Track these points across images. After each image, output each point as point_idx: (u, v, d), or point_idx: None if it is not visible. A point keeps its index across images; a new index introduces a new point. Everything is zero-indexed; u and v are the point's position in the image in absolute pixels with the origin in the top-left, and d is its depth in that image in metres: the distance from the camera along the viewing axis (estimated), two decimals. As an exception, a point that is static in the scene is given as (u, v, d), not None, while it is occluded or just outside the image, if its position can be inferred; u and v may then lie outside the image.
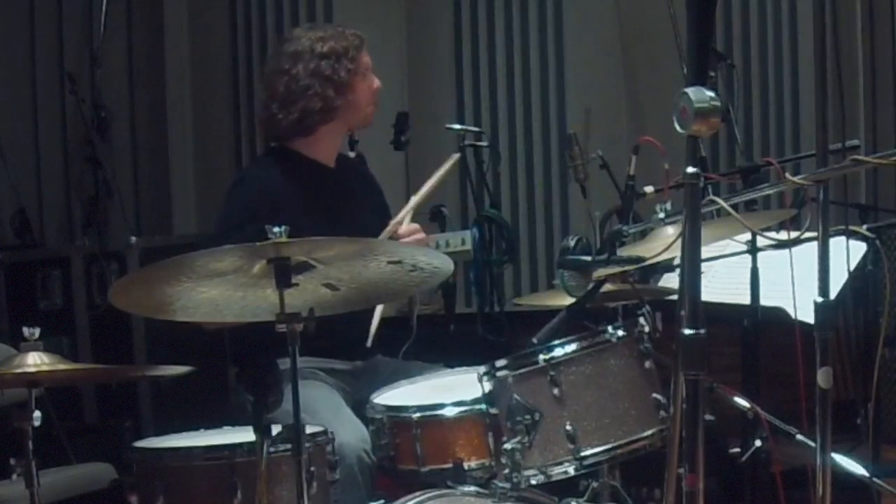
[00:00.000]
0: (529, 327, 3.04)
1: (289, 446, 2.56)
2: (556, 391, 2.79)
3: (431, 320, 4.75)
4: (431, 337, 4.43)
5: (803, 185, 2.26)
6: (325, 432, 2.89)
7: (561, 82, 5.73)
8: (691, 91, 1.91)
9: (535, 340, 2.92)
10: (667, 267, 3.25)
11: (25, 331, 2.61)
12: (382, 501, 2.93)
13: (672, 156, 2.84)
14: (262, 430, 2.54)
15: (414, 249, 2.87)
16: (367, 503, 3.06)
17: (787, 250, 2.85)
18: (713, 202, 2.37)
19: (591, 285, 2.97)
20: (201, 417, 3.13)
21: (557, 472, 2.80)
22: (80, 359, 4.75)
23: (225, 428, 3.06)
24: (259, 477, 2.54)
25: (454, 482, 2.90)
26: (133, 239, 5.05)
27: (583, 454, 2.78)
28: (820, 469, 2.27)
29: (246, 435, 2.68)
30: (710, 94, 1.91)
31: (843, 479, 2.69)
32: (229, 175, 5.36)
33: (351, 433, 3.11)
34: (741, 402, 3.06)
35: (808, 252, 2.58)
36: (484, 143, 4.45)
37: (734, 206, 2.42)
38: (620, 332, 2.86)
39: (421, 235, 3.48)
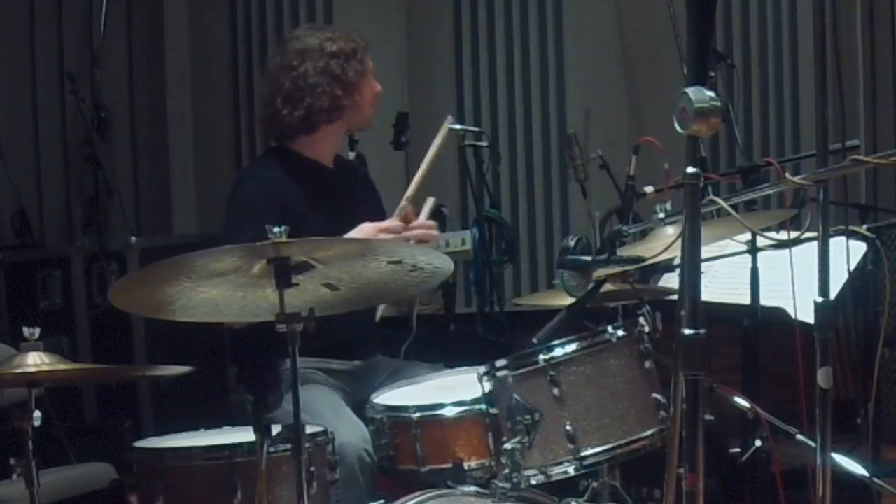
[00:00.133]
0: (529, 327, 3.04)
1: (289, 446, 2.56)
2: (556, 391, 2.79)
3: (431, 320, 4.74)
4: (431, 337, 4.43)
5: (803, 185, 2.26)
6: (325, 432, 2.89)
7: (561, 82, 5.73)
8: (691, 91, 1.91)
9: (535, 340, 2.92)
10: (667, 267, 3.25)
11: (25, 331, 2.61)
12: (382, 501, 2.93)
13: (672, 156, 2.84)
14: (262, 430, 2.54)
15: (414, 249, 2.87)
16: (367, 503, 3.06)
17: (787, 250, 2.85)
18: (713, 202, 2.37)
19: (591, 285, 2.97)
20: (201, 417, 3.13)
21: (557, 472, 2.80)
22: (80, 359, 4.75)
23: (225, 428, 3.06)
24: (259, 477, 2.54)
25: (454, 482, 2.90)
26: (133, 239, 5.05)
27: (583, 454, 2.78)
28: (820, 469, 2.27)
29: (246, 435, 2.68)
30: (710, 94, 1.91)
31: (843, 479, 2.69)
32: (229, 175, 5.36)
33: (352, 433, 3.11)
34: (741, 402, 3.06)
35: (808, 252, 2.58)
36: (484, 143, 4.43)
37: (734, 206, 2.42)
38: (620, 332, 2.86)
39: (434, 233, 3.48)
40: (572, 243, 2.94)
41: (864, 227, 3.57)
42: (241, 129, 5.91)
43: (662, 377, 2.85)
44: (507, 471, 2.79)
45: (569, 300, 3.02)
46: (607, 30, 5.66)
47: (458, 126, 4.47)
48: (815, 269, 2.30)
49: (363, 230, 3.35)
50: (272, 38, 5.80)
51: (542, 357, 2.81)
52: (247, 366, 2.63)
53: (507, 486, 2.79)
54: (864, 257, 3.62)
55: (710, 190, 3.08)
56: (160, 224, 5.92)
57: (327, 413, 3.16)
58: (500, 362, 2.87)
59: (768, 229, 2.99)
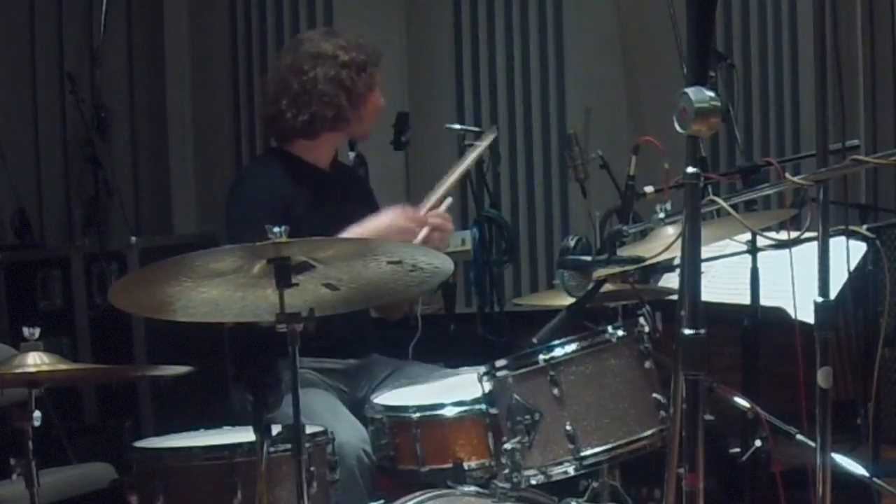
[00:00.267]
0: (529, 327, 3.04)
1: (289, 446, 2.56)
2: (556, 391, 2.79)
3: (431, 320, 4.75)
4: (431, 337, 4.43)
5: (803, 185, 2.26)
6: (325, 432, 2.89)
7: (561, 82, 5.73)
8: (691, 91, 1.91)
9: (535, 340, 2.92)
10: (667, 267, 3.25)
11: (25, 331, 2.61)
12: (382, 501, 2.93)
13: (672, 156, 2.84)
14: (262, 430, 2.54)
15: (414, 249, 2.87)
16: (367, 503, 3.06)
17: (787, 250, 2.85)
18: (713, 202, 2.37)
19: (591, 285, 2.97)
20: (201, 417, 3.13)
21: (557, 472, 2.80)
22: (80, 359, 4.75)
23: (225, 428, 3.07)
24: (259, 477, 2.54)
25: (454, 482, 2.90)
26: (133, 239, 5.05)
27: (583, 454, 2.78)
28: (820, 469, 2.27)
29: (246, 435, 2.68)
30: (710, 94, 1.91)
31: (843, 479, 2.69)
32: (229, 175, 5.36)
33: (350, 433, 3.11)
34: (741, 402, 3.06)
35: (808, 252, 2.58)
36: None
37: (734, 206, 2.42)
38: (620, 332, 2.86)
39: (450, 225, 3.48)
40: (572, 243, 2.94)
41: (864, 227, 3.56)
42: (241, 129, 5.91)
43: (662, 377, 2.85)
44: (507, 471, 2.79)
45: (569, 300, 3.02)
46: (607, 30, 5.66)
47: (457, 126, 4.48)
48: (815, 269, 2.30)
49: (390, 215, 3.34)
50: (272, 38, 5.81)
51: (542, 357, 2.81)
52: (246, 366, 2.63)
53: (507, 486, 2.79)
54: (864, 257, 3.62)
55: (710, 190, 3.08)
56: (160, 224, 5.92)
57: (326, 414, 3.16)
58: (500, 362, 2.87)
59: (768, 229, 2.99)
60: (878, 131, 5.32)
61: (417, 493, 2.81)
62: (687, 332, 1.95)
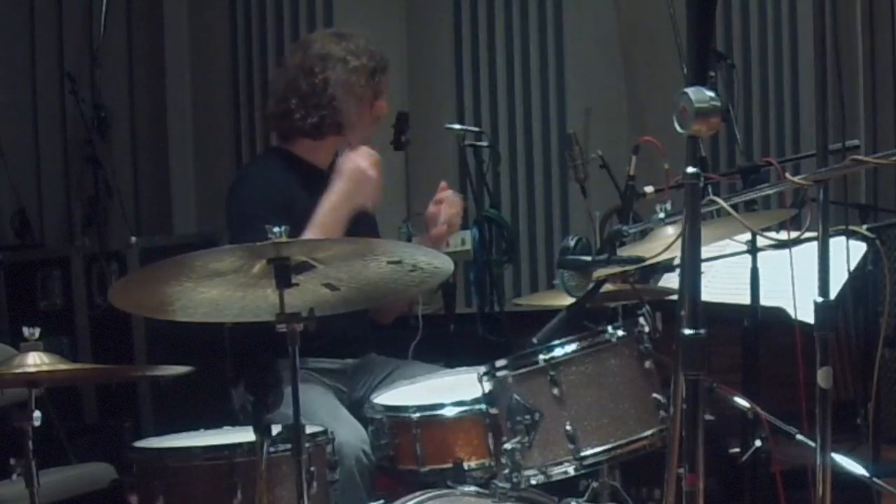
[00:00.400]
0: (529, 327, 3.04)
1: (289, 446, 2.56)
2: (556, 391, 2.79)
3: (431, 320, 4.74)
4: (431, 337, 4.43)
5: (803, 185, 2.25)
6: (324, 432, 2.89)
7: (561, 82, 5.73)
8: (691, 91, 1.91)
9: (535, 340, 2.92)
10: (667, 267, 3.25)
11: (25, 331, 2.61)
12: (382, 501, 2.93)
13: (672, 156, 2.84)
14: (262, 430, 2.54)
15: (414, 249, 2.87)
16: (366, 503, 3.06)
17: (787, 250, 2.85)
18: (713, 202, 2.37)
19: (591, 285, 2.96)
20: (201, 417, 3.13)
21: (557, 472, 2.80)
22: (80, 359, 4.75)
23: (225, 428, 3.06)
24: (259, 477, 2.54)
25: (454, 482, 2.91)
26: (133, 239, 5.05)
27: (583, 454, 2.78)
28: (820, 469, 2.27)
29: (246, 435, 2.68)
30: (710, 94, 1.91)
31: (843, 479, 2.69)
32: (229, 175, 5.36)
33: (349, 433, 3.11)
34: (741, 402, 3.06)
35: (808, 252, 2.58)
36: (484, 143, 4.44)
37: (734, 206, 2.41)
38: (620, 332, 2.86)
39: (459, 216, 3.53)
40: (572, 243, 2.94)
41: (864, 227, 3.56)
42: (241, 129, 5.91)
43: (662, 377, 2.85)
44: (507, 471, 2.79)
45: (569, 300, 3.01)
46: (607, 30, 5.66)
47: (457, 126, 4.48)
48: (815, 269, 2.30)
49: (340, 177, 3.35)
50: (272, 38, 5.81)
51: (542, 357, 2.81)
52: (246, 366, 2.63)
53: (507, 486, 2.79)
54: (864, 257, 3.62)
55: (710, 190, 3.08)
56: (160, 224, 5.92)
57: (325, 414, 3.16)
58: (500, 362, 2.87)
59: (768, 229, 2.99)
60: (878, 131, 5.32)
61: (417, 493, 2.81)
62: (687, 332, 1.95)
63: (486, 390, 2.89)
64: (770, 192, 2.87)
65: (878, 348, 3.96)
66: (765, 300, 3.18)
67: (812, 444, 2.33)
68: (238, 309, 2.71)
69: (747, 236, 3.13)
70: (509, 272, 5.55)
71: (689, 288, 1.98)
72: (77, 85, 5.32)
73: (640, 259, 2.85)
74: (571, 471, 2.80)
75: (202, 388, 4.28)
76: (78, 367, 2.95)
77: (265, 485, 2.56)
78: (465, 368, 3.29)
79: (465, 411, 2.98)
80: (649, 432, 2.82)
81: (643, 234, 3.08)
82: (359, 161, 3.34)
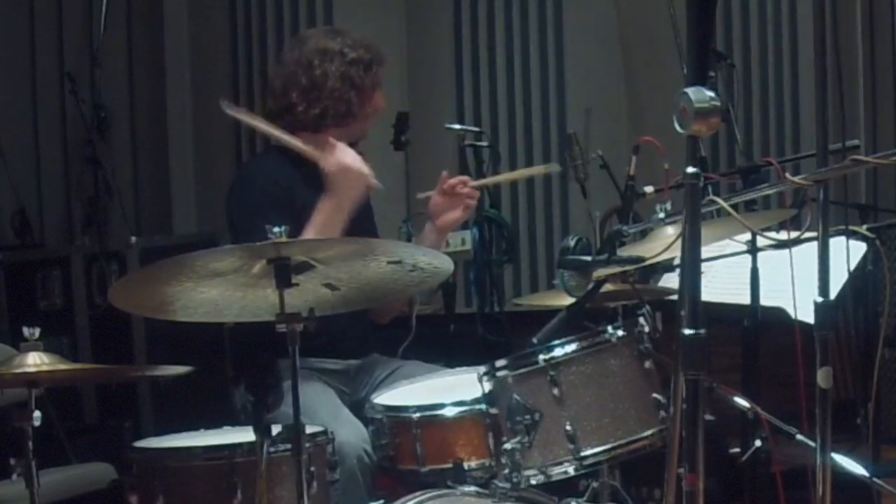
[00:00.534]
0: (529, 327, 3.04)
1: (289, 446, 2.56)
2: (556, 391, 2.79)
3: (431, 320, 4.75)
4: (431, 337, 4.43)
5: (803, 185, 2.25)
6: (325, 432, 2.89)
7: (561, 82, 5.73)
8: (691, 91, 1.91)
9: (535, 340, 2.92)
10: (667, 267, 3.25)
11: (25, 331, 2.61)
12: (382, 501, 2.93)
13: (672, 156, 2.84)
14: (262, 430, 2.54)
15: (414, 249, 2.87)
16: (367, 503, 3.06)
17: (787, 250, 2.85)
18: (713, 202, 2.37)
19: (591, 285, 2.96)
20: (201, 417, 3.12)
21: (557, 472, 2.80)
22: (80, 359, 4.75)
23: (225, 428, 3.06)
24: (259, 477, 2.54)
25: (454, 482, 2.90)
26: (133, 239, 5.05)
27: (583, 454, 2.77)
28: (820, 469, 2.27)
29: (246, 435, 2.68)
30: (710, 94, 1.91)
31: (843, 479, 2.69)
32: (229, 175, 5.36)
33: (351, 433, 3.11)
34: (741, 402, 3.06)
35: (808, 252, 2.58)
36: (484, 143, 4.44)
37: (734, 206, 2.42)
38: (620, 332, 2.86)
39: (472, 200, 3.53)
40: (572, 243, 2.94)
41: (864, 227, 3.56)
42: (241, 129, 5.91)
43: (662, 377, 2.85)
44: (507, 471, 2.79)
45: (569, 300, 3.01)
46: (607, 30, 5.67)
47: (457, 126, 4.48)
48: (815, 269, 2.30)
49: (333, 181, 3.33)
50: (272, 38, 5.81)
51: (542, 357, 2.81)
52: (246, 366, 2.63)
53: (507, 486, 2.79)
54: (864, 257, 3.62)
55: (710, 190, 3.08)
56: (160, 224, 5.93)
57: (326, 414, 3.16)
58: (500, 362, 2.87)
59: (768, 229, 2.99)
60: (878, 131, 5.32)
61: (417, 493, 2.81)
62: (687, 332, 1.95)
63: (486, 390, 2.89)
64: (770, 192, 2.87)
65: (878, 348, 3.96)
66: (765, 300, 3.18)
67: (812, 444, 2.33)
68: (238, 309, 2.71)
69: (747, 236, 3.13)
70: (509, 272, 5.55)
71: (689, 288, 1.98)
72: (77, 85, 5.32)
73: (640, 259, 2.85)
74: (571, 471, 2.80)
75: (202, 388, 4.28)
76: (78, 367, 2.95)
77: (265, 485, 2.56)
78: (465, 368, 3.29)
79: (466, 411, 2.98)
80: (649, 432, 2.81)
81: (643, 234, 3.08)
82: (341, 158, 3.34)
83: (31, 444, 2.61)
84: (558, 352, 2.81)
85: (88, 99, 5.33)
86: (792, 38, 5.44)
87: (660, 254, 2.79)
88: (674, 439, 2.20)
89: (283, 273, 2.53)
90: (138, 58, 5.92)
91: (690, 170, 1.97)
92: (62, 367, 2.65)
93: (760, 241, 3.11)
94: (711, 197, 2.39)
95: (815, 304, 2.29)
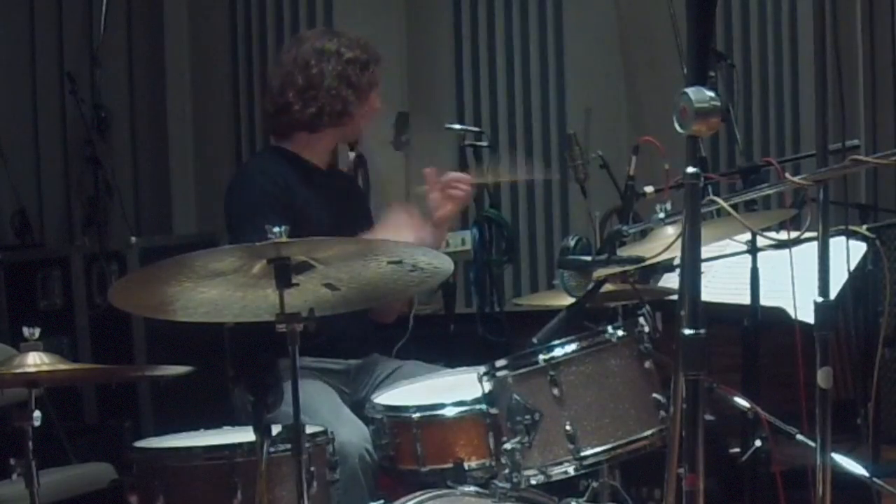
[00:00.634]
0: (529, 327, 3.04)
1: (289, 446, 2.56)
2: (556, 391, 2.79)
3: (431, 320, 4.74)
4: (431, 337, 4.43)
5: (803, 185, 2.25)
6: (325, 432, 2.89)
7: (561, 82, 5.73)
8: (691, 91, 1.91)
9: (535, 340, 2.92)
10: (667, 267, 3.25)
11: (25, 331, 2.61)
12: (382, 501, 2.93)
13: (672, 156, 2.84)
14: (262, 430, 2.54)
15: (414, 249, 2.87)
16: (368, 503, 3.06)
17: (787, 250, 2.85)
18: (713, 202, 2.37)
19: (591, 285, 2.96)
20: (201, 417, 3.12)
21: (557, 472, 2.80)
22: (80, 359, 4.75)
23: (225, 428, 3.06)
24: (259, 477, 2.54)
25: (454, 482, 2.90)
26: (133, 239, 5.05)
27: (583, 454, 2.78)
28: (820, 469, 2.27)
29: (246, 435, 2.68)
30: (710, 94, 1.91)
31: (843, 479, 2.69)
32: (229, 175, 5.34)
33: (352, 432, 3.11)
34: (741, 402, 3.06)
35: (808, 252, 2.58)
36: (484, 143, 4.44)
37: (734, 206, 2.42)
38: (620, 332, 2.86)
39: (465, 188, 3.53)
40: (572, 243, 2.94)
41: (864, 227, 3.56)
42: (241, 129, 5.91)
43: (662, 377, 2.85)
44: (507, 471, 2.79)
45: (569, 300, 3.02)
46: (607, 30, 5.66)
47: (457, 126, 4.48)
48: (815, 269, 2.30)
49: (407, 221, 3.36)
50: (272, 38, 5.81)
51: (542, 357, 2.81)
52: (246, 366, 2.63)
53: (507, 486, 2.79)
54: (864, 257, 3.62)
55: (710, 190, 3.08)
56: (160, 224, 5.92)
57: (327, 413, 3.16)
58: (500, 362, 2.87)
59: (768, 229, 2.99)
60: (878, 131, 5.32)
61: (418, 493, 2.81)
62: (687, 332, 1.95)
63: (486, 390, 2.89)
64: (770, 192, 2.87)
65: (878, 348, 3.96)
66: (765, 300, 3.18)
67: (812, 444, 2.33)
68: (238, 309, 2.71)
69: (747, 236, 3.14)
70: (509, 272, 5.55)
71: (689, 288, 1.98)
72: (77, 85, 5.32)
73: (640, 259, 2.85)
74: (571, 471, 2.80)
75: (202, 388, 4.28)
76: (78, 367, 2.95)
77: (265, 485, 2.56)
78: (465, 368, 3.29)
79: (466, 411, 2.98)
80: (649, 432, 2.82)
81: (643, 234, 3.08)
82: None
83: (31, 444, 2.61)
84: (558, 352, 2.82)
85: (88, 99, 5.32)
86: (792, 38, 5.44)
87: (660, 254, 2.79)
88: (674, 439, 2.20)
89: (283, 273, 2.53)
90: (138, 58, 5.92)
91: (690, 170, 1.97)
92: (62, 367, 2.65)
93: (760, 241, 3.11)
94: (711, 197, 2.39)
95: (815, 304, 2.29)
